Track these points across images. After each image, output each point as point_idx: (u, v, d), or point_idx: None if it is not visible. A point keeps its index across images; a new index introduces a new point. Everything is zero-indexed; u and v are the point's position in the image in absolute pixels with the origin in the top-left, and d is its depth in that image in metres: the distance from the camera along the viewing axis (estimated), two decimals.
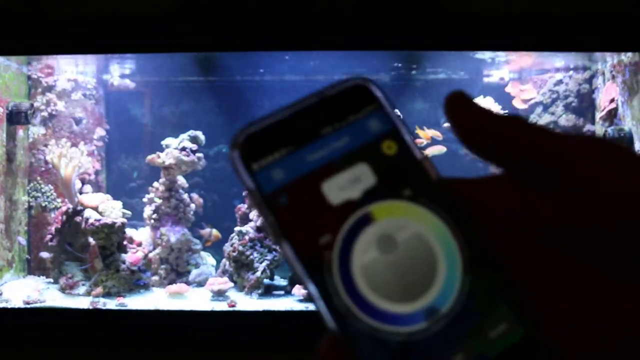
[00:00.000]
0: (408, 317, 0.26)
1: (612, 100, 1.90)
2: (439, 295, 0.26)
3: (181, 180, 2.14)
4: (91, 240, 1.92)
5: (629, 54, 1.79)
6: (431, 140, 2.15)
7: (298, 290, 1.85)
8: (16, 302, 1.74)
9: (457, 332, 0.26)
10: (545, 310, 0.26)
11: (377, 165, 0.28)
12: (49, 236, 1.98)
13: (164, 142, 2.12)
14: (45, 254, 2.01)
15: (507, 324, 0.26)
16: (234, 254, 1.94)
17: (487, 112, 0.28)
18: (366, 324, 0.26)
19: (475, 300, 0.26)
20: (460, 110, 0.29)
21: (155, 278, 2.03)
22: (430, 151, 2.14)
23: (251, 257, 1.92)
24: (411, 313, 0.26)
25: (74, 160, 1.95)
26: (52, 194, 2.11)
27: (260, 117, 0.29)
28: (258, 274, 1.89)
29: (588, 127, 2.09)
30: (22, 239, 2.06)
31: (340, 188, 0.27)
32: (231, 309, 1.75)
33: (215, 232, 2.17)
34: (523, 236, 0.27)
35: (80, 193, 2.03)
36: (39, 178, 2.11)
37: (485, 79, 2.29)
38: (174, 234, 2.07)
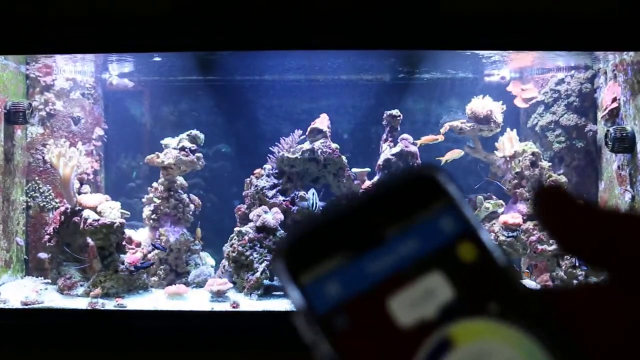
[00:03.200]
0: None
1: (614, 100, 1.89)
2: None
3: (180, 180, 2.13)
4: (90, 240, 1.90)
5: (631, 53, 1.78)
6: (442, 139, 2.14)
7: None
8: (14, 303, 1.73)
9: None
10: None
11: (454, 275, 0.23)
12: (47, 236, 1.97)
13: (163, 142, 2.11)
14: (43, 255, 2.00)
15: None
16: (234, 254, 1.93)
17: (591, 211, 0.24)
18: None
19: None
20: (556, 211, 0.24)
21: (154, 279, 2.02)
22: (450, 155, 2.12)
23: (251, 257, 1.91)
24: None
25: (72, 160, 1.94)
26: (50, 194, 2.10)
27: (311, 218, 0.24)
28: (258, 274, 1.88)
29: (590, 126, 2.08)
30: (20, 240, 2.05)
31: (411, 305, 0.23)
32: (231, 309, 1.74)
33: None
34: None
35: (79, 193, 2.02)
36: (37, 178, 2.10)
37: (487, 79, 2.28)
38: (172, 234, 2.06)
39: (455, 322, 0.22)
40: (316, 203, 1.94)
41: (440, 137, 2.13)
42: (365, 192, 0.24)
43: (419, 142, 2.11)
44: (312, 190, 1.97)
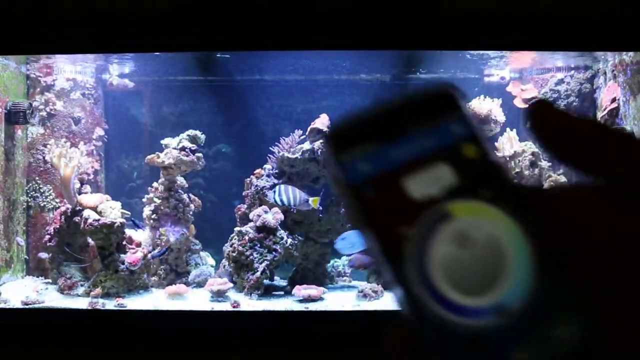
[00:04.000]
0: (478, 312, 0.27)
1: (613, 100, 1.90)
2: (509, 294, 0.27)
3: (180, 180, 2.13)
4: (90, 240, 1.91)
5: (631, 54, 1.78)
6: None
7: (298, 291, 1.84)
8: (15, 303, 1.74)
9: (524, 331, 0.27)
10: (617, 323, 0.26)
11: (458, 167, 0.29)
12: (48, 236, 1.97)
13: (163, 142, 2.11)
14: (43, 255, 2.00)
15: (574, 327, 0.27)
16: (234, 254, 1.93)
17: (579, 120, 0.28)
18: (438, 314, 0.27)
19: (544, 303, 0.27)
20: (547, 120, 0.29)
21: (155, 278, 2.02)
22: None
23: (251, 257, 1.92)
24: (481, 308, 0.27)
25: (73, 160, 1.94)
26: (50, 194, 2.10)
27: (352, 113, 0.31)
28: (258, 274, 1.88)
29: None
30: (21, 239, 2.05)
31: (423, 185, 0.29)
32: (231, 309, 1.74)
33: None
34: (607, 248, 0.27)
35: (79, 193, 2.02)
36: (37, 178, 2.10)
37: (486, 79, 2.28)
38: (173, 234, 2.06)
39: (456, 201, 0.29)
40: (281, 199, 1.93)
41: None
42: (397, 98, 0.31)
43: None
44: (281, 188, 1.96)
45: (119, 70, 2.28)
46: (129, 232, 2.02)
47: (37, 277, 2.03)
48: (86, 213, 1.92)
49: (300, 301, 1.81)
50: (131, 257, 1.92)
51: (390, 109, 0.31)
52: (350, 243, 1.91)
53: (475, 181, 0.29)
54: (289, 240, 1.96)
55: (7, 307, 1.72)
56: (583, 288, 0.27)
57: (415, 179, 0.29)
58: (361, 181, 0.29)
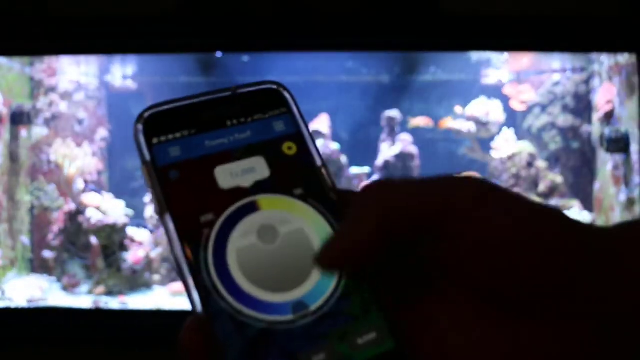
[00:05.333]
0: (274, 307, 0.26)
1: (609, 101, 1.92)
2: (310, 292, 0.26)
3: None
4: (93, 239, 1.94)
5: (626, 55, 1.80)
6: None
7: None
8: (19, 301, 1.76)
9: (322, 331, 0.25)
10: (416, 330, 0.26)
11: (274, 162, 0.29)
12: (52, 235, 2.00)
13: None
14: (47, 253, 2.03)
15: (377, 333, 0.26)
16: None
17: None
18: (230, 305, 0.26)
19: (347, 305, 0.26)
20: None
21: (157, 277, 2.05)
22: (418, 122, 2.17)
23: None
24: (278, 303, 0.26)
25: (77, 160, 1.97)
26: (54, 194, 2.13)
27: (171, 99, 0.30)
28: None
29: (585, 127, 2.11)
30: (25, 238, 2.08)
31: (233, 175, 0.28)
32: None
33: None
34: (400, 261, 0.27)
35: (83, 193, 2.05)
36: (41, 178, 2.13)
37: (484, 80, 2.31)
38: None
39: (265, 195, 0.28)
40: None
41: (430, 122, 2.18)
42: (220, 90, 0.30)
43: (411, 124, 2.15)
44: None
45: (122, 71, 2.31)
46: (131, 231, 2.05)
47: (41, 274, 2.05)
48: (89, 212, 1.95)
49: None
50: (134, 255, 1.95)
51: (212, 99, 0.30)
52: None
53: (289, 178, 0.29)
54: None
55: (12, 305, 1.75)
56: (383, 293, 0.27)
57: (226, 169, 0.28)
58: (168, 163, 0.28)
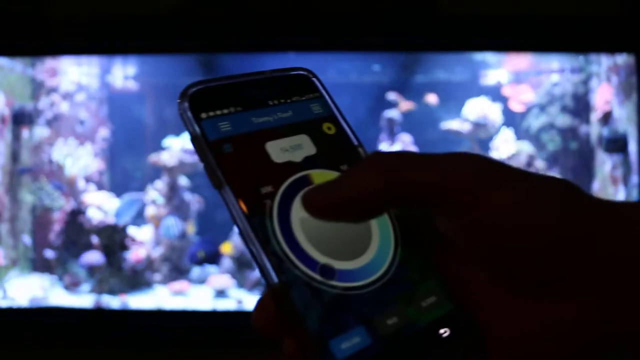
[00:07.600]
0: (343, 274, 0.27)
1: (607, 102, 1.93)
2: (372, 260, 0.28)
3: (183, 180, 2.17)
4: (94, 239, 1.95)
5: (624, 56, 1.81)
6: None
7: None
8: (21, 300, 1.77)
9: (391, 297, 0.27)
10: (473, 296, 0.27)
11: (318, 140, 0.30)
12: (53, 235, 2.01)
13: (166, 143, 2.15)
14: (49, 253, 2.04)
15: (436, 297, 0.27)
16: (235, 252, 1.97)
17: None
18: (303, 272, 0.26)
19: (407, 272, 0.28)
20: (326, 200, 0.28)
21: (158, 276, 2.06)
22: (404, 106, 2.19)
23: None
24: (346, 270, 0.27)
25: (79, 160, 1.98)
26: (56, 194, 2.14)
27: (213, 77, 0.31)
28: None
29: (584, 127, 2.12)
30: (27, 238, 2.09)
31: (283, 150, 0.29)
32: (233, 307, 1.77)
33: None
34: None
35: (84, 192, 2.06)
36: (43, 178, 2.14)
37: (482, 80, 2.31)
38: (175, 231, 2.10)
39: (315, 169, 0.29)
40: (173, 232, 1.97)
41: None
42: (257, 72, 0.31)
43: (400, 108, 2.18)
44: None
45: (123, 72, 2.32)
46: (132, 230, 2.06)
47: (43, 274, 2.06)
48: (91, 212, 1.96)
49: None
50: (134, 255, 1.96)
51: (252, 80, 0.31)
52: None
53: (334, 154, 0.30)
54: None
55: (14, 305, 1.76)
56: (440, 262, 0.28)
57: (277, 144, 0.29)
58: (219, 138, 0.28)
